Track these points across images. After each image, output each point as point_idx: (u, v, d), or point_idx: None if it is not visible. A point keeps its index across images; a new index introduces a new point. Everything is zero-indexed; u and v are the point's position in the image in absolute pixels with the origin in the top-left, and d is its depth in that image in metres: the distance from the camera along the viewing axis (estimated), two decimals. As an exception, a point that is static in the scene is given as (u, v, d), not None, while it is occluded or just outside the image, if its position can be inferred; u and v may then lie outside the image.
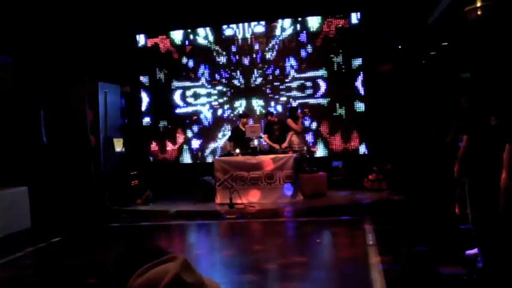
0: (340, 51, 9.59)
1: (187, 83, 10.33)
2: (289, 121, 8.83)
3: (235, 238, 6.68)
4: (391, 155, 8.98)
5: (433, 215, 6.63)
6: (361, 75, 9.51)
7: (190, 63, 10.28)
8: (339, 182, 9.21)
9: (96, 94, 8.87)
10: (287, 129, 8.92)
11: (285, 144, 8.70)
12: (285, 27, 9.89)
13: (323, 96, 9.70)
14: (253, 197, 8.22)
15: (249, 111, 9.71)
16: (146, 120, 10.57)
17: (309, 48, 9.76)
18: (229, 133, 9.62)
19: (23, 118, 8.61)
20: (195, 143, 10.34)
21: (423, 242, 5.28)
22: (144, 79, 10.53)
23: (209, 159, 10.02)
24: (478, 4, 5.98)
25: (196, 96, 10.31)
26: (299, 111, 9.08)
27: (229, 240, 6.65)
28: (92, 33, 9.58)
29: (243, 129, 8.65)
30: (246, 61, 10.06)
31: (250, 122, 9.36)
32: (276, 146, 8.73)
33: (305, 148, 9.08)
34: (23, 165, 8.38)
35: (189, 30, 10.26)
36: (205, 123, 10.30)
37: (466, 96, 4.34)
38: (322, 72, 9.69)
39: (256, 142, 8.82)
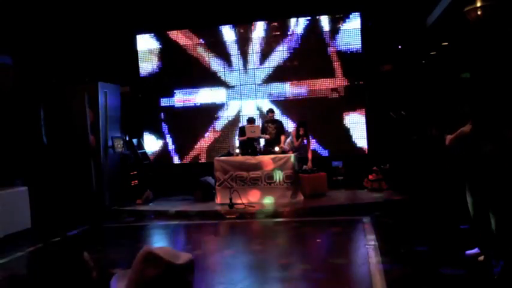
0: (340, 50, 9.59)
1: (190, 83, 10.35)
2: (293, 133, 8.92)
3: (235, 238, 6.68)
4: (391, 155, 8.98)
5: (433, 215, 6.64)
6: (362, 75, 9.50)
7: (192, 63, 10.28)
8: (339, 182, 9.22)
9: (96, 94, 8.86)
10: (283, 130, 8.98)
11: (282, 145, 8.70)
12: (285, 27, 9.89)
13: (323, 96, 9.70)
14: (253, 197, 8.22)
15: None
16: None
17: (309, 48, 9.75)
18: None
19: (23, 118, 8.61)
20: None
21: (423, 242, 5.28)
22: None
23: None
24: (478, 4, 5.97)
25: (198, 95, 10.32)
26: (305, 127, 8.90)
27: (229, 240, 6.64)
28: (91, 33, 9.58)
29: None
30: (246, 61, 10.06)
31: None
32: (266, 137, 8.85)
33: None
34: (23, 165, 8.38)
35: (190, 30, 10.27)
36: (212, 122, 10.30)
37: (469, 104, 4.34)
38: (322, 72, 9.69)
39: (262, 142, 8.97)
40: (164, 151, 10.51)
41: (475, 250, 4.50)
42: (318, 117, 9.67)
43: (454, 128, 4.51)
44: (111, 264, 5.13)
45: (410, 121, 8.88)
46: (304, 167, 8.74)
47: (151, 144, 10.51)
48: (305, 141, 8.88)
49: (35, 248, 6.14)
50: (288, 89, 9.89)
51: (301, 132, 8.75)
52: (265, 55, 9.96)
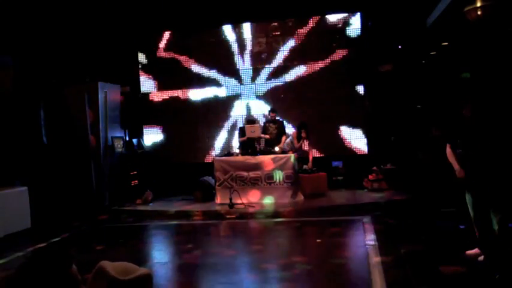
0: (341, 50, 9.59)
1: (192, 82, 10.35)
2: (294, 134, 8.92)
3: (235, 238, 6.68)
4: (391, 155, 8.99)
5: (433, 215, 6.64)
6: (361, 75, 9.50)
7: (193, 64, 10.28)
8: (339, 182, 9.22)
9: (96, 94, 8.87)
10: (284, 130, 8.99)
11: (281, 145, 8.72)
12: (285, 27, 9.89)
13: (323, 96, 9.70)
14: (253, 197, 8.22)
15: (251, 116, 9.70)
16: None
17: (309, 48, 9.75)
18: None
19: (23, 118, 8.61)
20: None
21: (423, 242, 5.28)
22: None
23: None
24: (478, 4, 5.97)
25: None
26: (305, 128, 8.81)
27: (229, 240, 6.65)
28: (92, 33, 9.58)
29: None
30: (246, 61, 10.06)
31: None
32: (266, 137, 8.82)
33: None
34: (23, 165, 8.38)
35: (190, 30, 10.26)
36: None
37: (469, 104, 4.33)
38: (322, 72, 9.69)
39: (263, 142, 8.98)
40: (164, 151, 10.50)
41: (475, 250, 4.50)
42: (317, 117, 9.67)
43: (453, 131, 4.51)
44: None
45: (410, 121, 8.88)
46: (305, 166, 8.74)
47: (151, 144, 10.52)
48: (306, 142, 8.89)
49: (35, 248, 6.14)
50: (288, 88, 9.89)
51: (303, 135, 8.74)
52: (264, 55, 9.95)
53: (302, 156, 8.80)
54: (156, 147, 10.49)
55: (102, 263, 1.56)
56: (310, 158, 8.89)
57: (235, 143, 9.66)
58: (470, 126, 4.31)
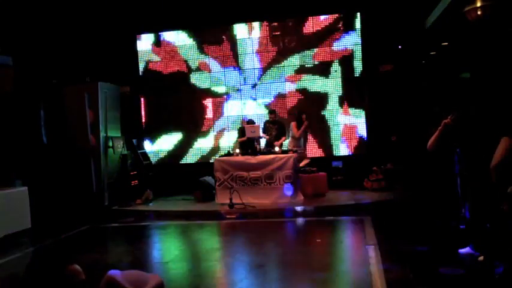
0: (341, 50, 9.59)
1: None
2: (293, 124, 8.91)
3: (235, 238, 6.68)
4: (391, 155, 8.99)
5: (433, 215, 6.63)
6: (361, 75, 9.50)
7: (193, 64, 10.28)
8: (339, 182, 9.22)
9: (96, 94, 8.87)
10: (284, 131, 8.99)
11: (279, 142, 8.73)
12: (285, 27, 9.89)
13: (323, 96, 9.70)
14: (253, 197, 8.22)
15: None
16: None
17: (309, 48, 9.75)
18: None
19: (23, 118, 8.62)
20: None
21: (423, 242, 5.28)
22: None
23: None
24: (478, 4, 5.98)
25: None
26: (304, 116, 8.87)
27: (230, 240, 6.64)
28: (91, 33, 9.59)
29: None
30: (246, 61, 10.06)
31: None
32: (266, 137, 8.88)
33: (301, 149, 8.98)
34: (23, 165, 8.38)
35: (190, 30, 10.27)
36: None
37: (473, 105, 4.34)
38: (322, 72, 9.69)
39: (262, 143, 8.95)
40: (164, 151, 10.51)
41: (467, 249, 4.52)
42: (317, 117, 9.68)
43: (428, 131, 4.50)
44: (111, 265, 5.14)
45: (411, 121, 8.88)
46: (301, 165, 8.69)
47: (150, 143, 10.52)
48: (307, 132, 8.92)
49: (35, 248, 6.14)
50: (288, 89, 9.89)
51: (305, 124, 8.71)
52: (264, 55, 9.96)
53: (301, 156, 8.75)
54: (156, 147, 10.51)
55: (112, 274, 1.50)
56: (305, 153, 8.85)
57: (235, 143, 9.67)
58: (471, 127, 4.30)
